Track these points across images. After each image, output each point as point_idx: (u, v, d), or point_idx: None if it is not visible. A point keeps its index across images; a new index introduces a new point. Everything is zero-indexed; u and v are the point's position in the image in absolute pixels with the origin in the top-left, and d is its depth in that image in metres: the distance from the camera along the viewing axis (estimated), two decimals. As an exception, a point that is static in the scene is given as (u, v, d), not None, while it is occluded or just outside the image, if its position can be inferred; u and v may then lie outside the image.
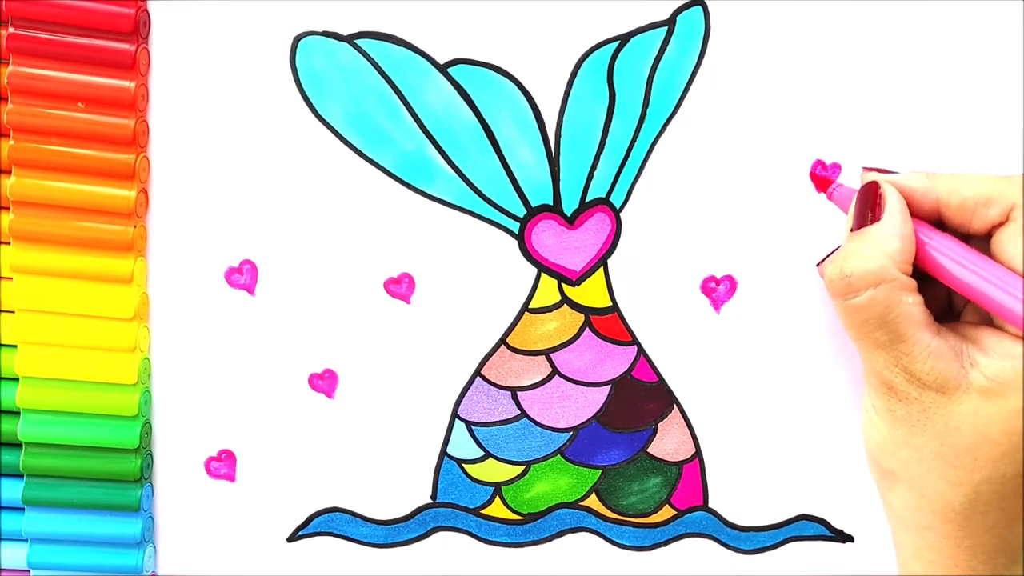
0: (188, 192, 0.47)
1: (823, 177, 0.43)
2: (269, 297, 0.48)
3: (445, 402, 0.49)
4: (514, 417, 0.49)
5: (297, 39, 0.46)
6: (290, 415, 0.49)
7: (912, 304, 0.39)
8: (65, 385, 0.47)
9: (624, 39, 0.46)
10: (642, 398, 0.49)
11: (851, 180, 0.43)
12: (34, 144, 0.45)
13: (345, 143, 0.47)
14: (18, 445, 0.48)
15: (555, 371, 0.49)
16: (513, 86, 0.46)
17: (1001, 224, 0.40)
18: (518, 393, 0.49)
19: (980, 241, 0.41)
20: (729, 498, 0.49)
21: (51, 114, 0.45)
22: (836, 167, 0.47)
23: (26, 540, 0.49)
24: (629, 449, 0.49)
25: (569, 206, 0.48)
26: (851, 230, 0.41)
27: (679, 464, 0.49)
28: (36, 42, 0.44)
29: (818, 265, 0.42)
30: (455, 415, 0.49)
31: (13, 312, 0.47)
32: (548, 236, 0.48)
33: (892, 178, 0.41)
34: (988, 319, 0.41)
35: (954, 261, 0.39)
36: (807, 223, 0.47)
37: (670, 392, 0.49)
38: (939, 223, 0.41)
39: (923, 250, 0.40)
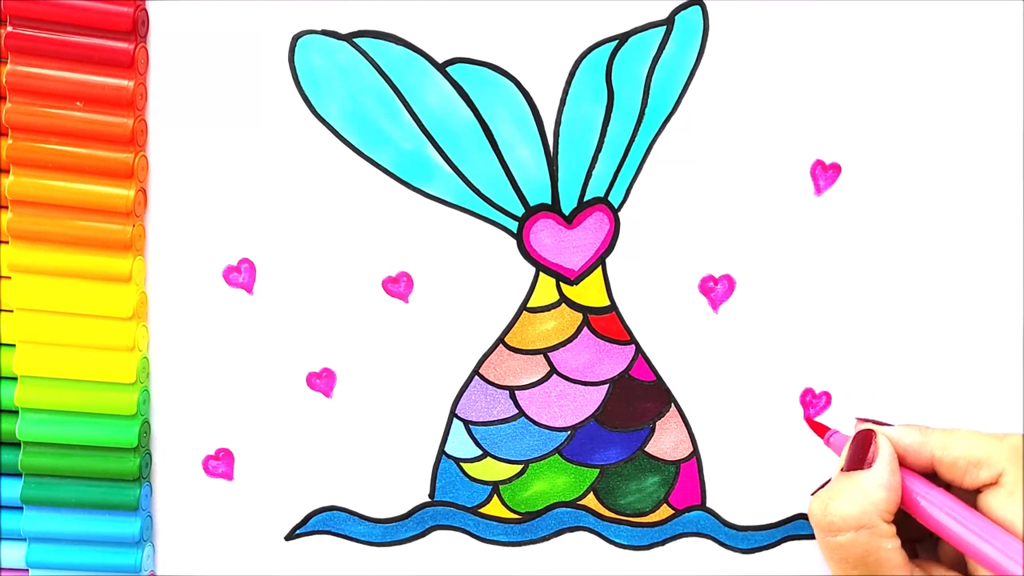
0: (186, 191, 0.47)
1: (819, 424, 0.46)
2: (267, 296, 0.48)
3: (443, 401, 0.49)
4: (512, 416, 0.49)
5: (296, 38, 0.46)
6: (288, 414, 0.49)
7: (891, 550, 0.41)
8: (64, 384, 0.47)
9: (623, 38, 0.46)
10: (640, 397, 0.49)
11: (846, 428, 0.46)
12: (32, 143, 0.45)
13: (344, 142, 0.47)
14: (17, 444, 0.48)
15: (553, 370, 0.49)
16: (512, 85, 0.46)
17: (991, 485, 0.41)
18: (516, 392, 0.49)
19: (970, 495, 0.42)
20: (727, 497, 0.49)
21: (49, 113, 0.45)
22: (836, 167, 0.47)
23: (25, 539, 0.49)
24: (627, 448, 0.49)
25: (567, 205, 0.47)
26: (842, 470, 0.43)
27: (677, 463, 0.49)
28: (34, 41, 0.44)
29: (812, 494, 0.44)
30: (453, 414, 0.49)
31: (12, 311, 0.47)
32: (546, 235, 0.48)
33: (886, 431, 0.43)
34: (962, 560, 0.43)
35: (950, 517, 0.41)
36: (805, 223, 0.47)
37: (668, 391, 0.49)
38: (933, 475, 0.43)
39: (918, 505, 0.42)
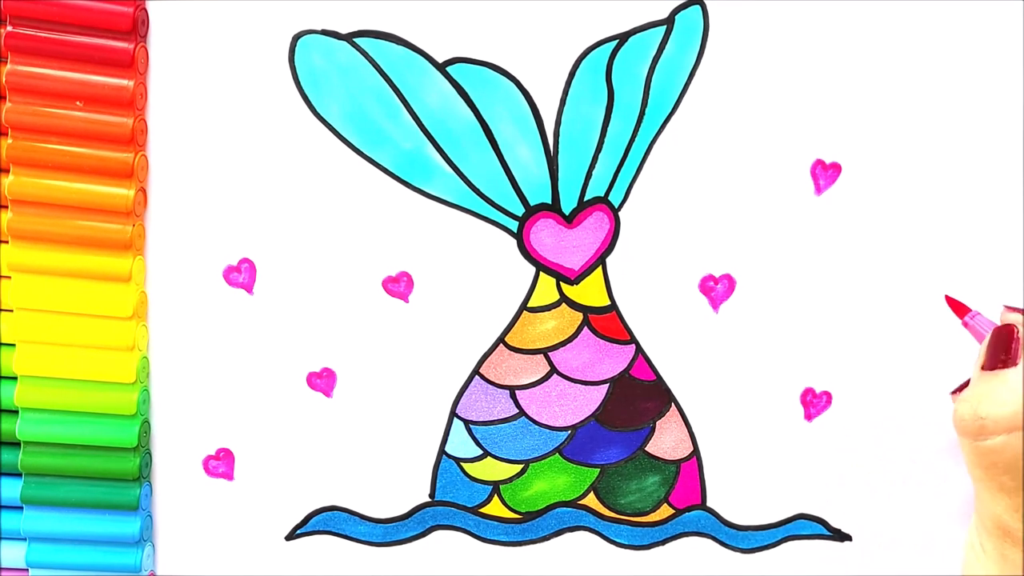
0: (186, 191, 0.47)
1: (960, 304, 0.43)
2: (267, 296, 0.48)
3: (443, 401, 0.49)
4: (512, 416, 0.49)
5: (296, 38, 0.46)
6: (288, 414, 0.49)
7: None
8: (63, 384, 0.47)
9: (623, 38, 0.46)
10: (640, 396, 0.49)
11: (991, 314, 0.43)
12: (32, 143, 0.45)
13: (344, 141, 0.47)
14: (17, 444, 0.48)
15: (553, 370, 0.49)
16: (512, 85, 0.46)
17: None
18: (516, 392, 0.49)
19: None
20: (727, 497, 0.49)
21: (49, 113, 0.45)
22: (836, 167, 0.47)
23: (25, 539, 0.49)
24: (627, 447, 0.49)
25: (568, 205, 0.48)
26: (982, 368, 0.40)
27: (677, 463, 0.49)
28: (35, 41, 0.44)
29: (952, 393, 0.42)
30: (453, 414, 0.49)
31: (12, 311, 0.47)
32: (547, 235, 0.48)
33: None
34: None
35: None
36: (805, 222, 0.48)
37: (668, 391, 0.49)
38: None
39: None
